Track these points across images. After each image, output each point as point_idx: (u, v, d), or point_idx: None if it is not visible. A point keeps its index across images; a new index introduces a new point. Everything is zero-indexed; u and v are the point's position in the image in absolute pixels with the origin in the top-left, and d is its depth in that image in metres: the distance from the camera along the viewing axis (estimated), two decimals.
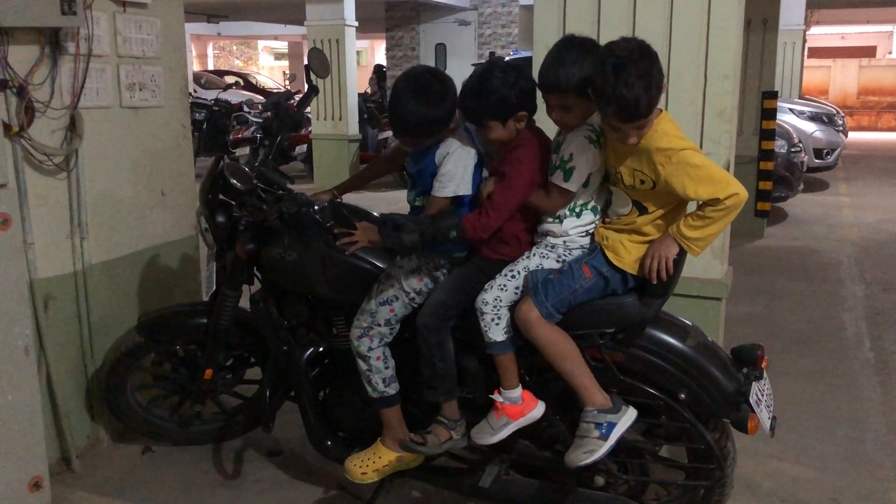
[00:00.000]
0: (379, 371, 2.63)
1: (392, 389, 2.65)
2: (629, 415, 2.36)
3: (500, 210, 2.39)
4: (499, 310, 2.40)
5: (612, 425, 2.33)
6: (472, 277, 2.51)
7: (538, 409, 2.48)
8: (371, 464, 2.69)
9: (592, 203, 2.41)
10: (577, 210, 2.40)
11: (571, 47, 2.28)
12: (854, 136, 16.91)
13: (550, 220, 2.43)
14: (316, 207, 2.55)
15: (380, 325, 2.60)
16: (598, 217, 2.43)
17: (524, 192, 2.39)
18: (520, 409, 2.46)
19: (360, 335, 2.62)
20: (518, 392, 2.46)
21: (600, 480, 2.55)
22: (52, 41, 2.98)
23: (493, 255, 2.50)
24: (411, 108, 2.42)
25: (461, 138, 2.52)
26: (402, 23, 15.15)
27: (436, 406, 2.61)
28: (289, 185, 2.79)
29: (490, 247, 2.50)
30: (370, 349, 2.61)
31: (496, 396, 2.46)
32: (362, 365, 2.63)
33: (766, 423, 2.38)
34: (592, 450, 2.33)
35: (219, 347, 3.12)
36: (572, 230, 2.41)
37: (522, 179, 2.38)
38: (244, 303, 3.06)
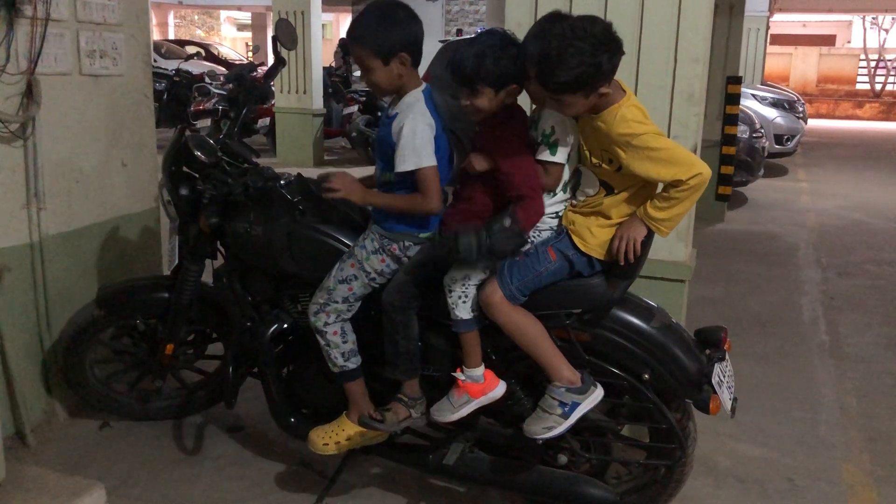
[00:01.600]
0: (337, 346, 2.62)
1: (352, 364, 2.64)
2: (595, 395, 2.39)
3: (534, 189, 2.32)
4: (466, 287, 2.39)
5: (575, 405, 2.35)
6: (439, 255, 2.50)
7: (499, 389, 2.49)
8: (334, 436, 2.69)
9: (565, 180, 2.40)
10: None
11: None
12: (813, 123, 17.20)
13: None
14: (282, 182, 2.50)
15: (336, 302, 2.59)
16: (568, 195, 2.42)
17: (530, 159, 2.35)
18: (481, 387, 2.46)
19: (317, 311, 2.61)
20: (480, 371, 2.47)
21: (563, 459, 2.58)
22: (8, 3, 2.87)
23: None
24: (371, 22, 2.39)
25: (419, 110, 2.45)
26: None
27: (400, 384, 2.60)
28: (254, 159, 2.74)
29: (463, 219, 2.48)
30: (326, 324, 2.60)
31: (458, 374, 2.47)
32: (320, 340, 2.62)
33: (728, 405, 2.42)
34: (551, 426, 2.37)
35: (180, 322, 3.07)
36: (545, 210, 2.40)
37: (524, 151, 2.34)
38: (207, 277, 3.01)
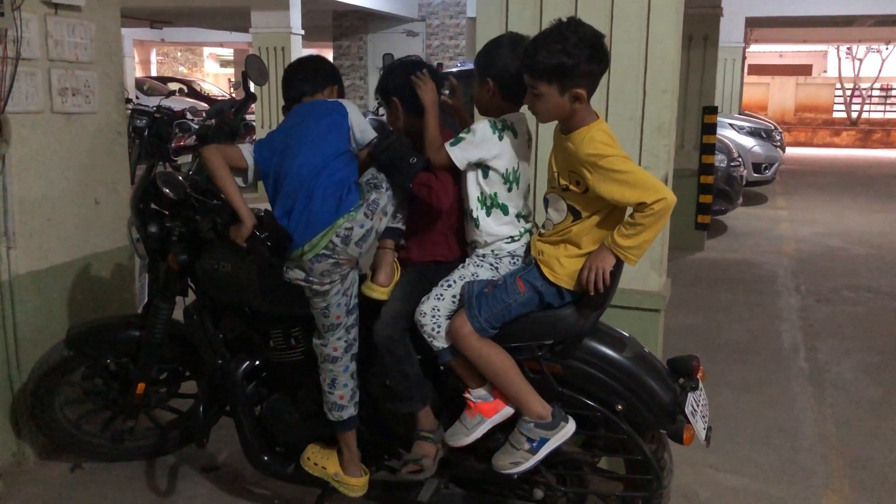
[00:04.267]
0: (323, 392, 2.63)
1: (333, 416, 2.61)
2: (565, 430, 2.37)
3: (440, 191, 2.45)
4: (437, 319, 2.38)
5: (543, 441, 2.34)
6: (417, 283, 2.50)
7: (510, 407, 2.44)
8: (322, 461, 2.68)
9: (500, 201, 2.41)
10: (487, 203, 2.41)
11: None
12: (791, 151, 17.42)
13: (472, 221, 2.44)
14: None
15: None
16: (509, 217, 2.43)
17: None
18: (493, 405, 2.42)
19: None
20: (485, 390, 2.43)
21: (539, 493, 2.54)
22: None
23: (425, 257, 2.52)
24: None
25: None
26: (349, 32, 15.11)
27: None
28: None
29: (421, 249, 2.52)
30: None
31: (468, 395, 2.43)
32: None
33: (702, 434, 2.40)
34: (518, 462, 2.36)
35: (151, 361, 3.02)
36: (493, 229, 2.42)
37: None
38: (178, 315, 2.98)
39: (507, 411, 2.43)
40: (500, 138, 2.37)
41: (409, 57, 2.62)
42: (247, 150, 2.57)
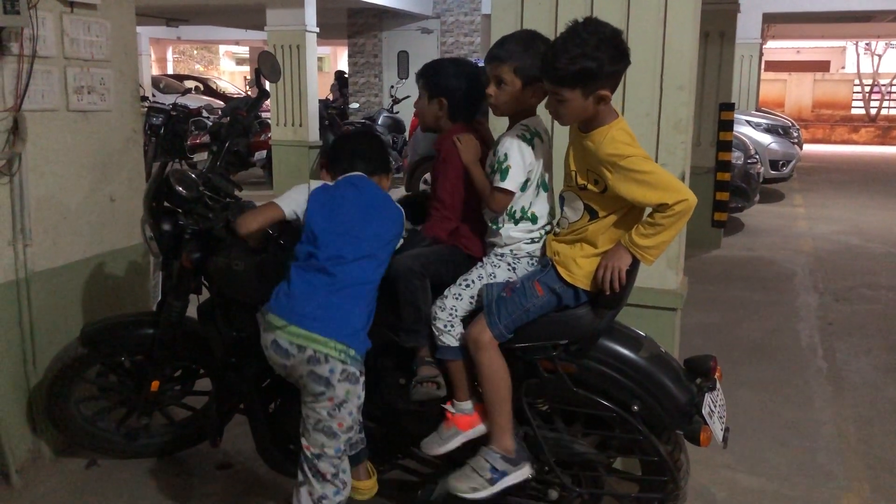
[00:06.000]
0: None
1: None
2: (522, 472, 2.39)
3: (451, 204, 2.50)
4: (453, 319, 2.37)
5: (504, 474, 2.36)
6: (445, 254, 2.50)
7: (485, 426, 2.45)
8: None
9: (531, 210, 2.40)
10: (517, 216, 2.39)
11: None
12: (809, 148, 17.26)
13: (493, 226, 2.43)
14: None
15: None
16: (537, 226, 2.41)
17: (459, 180, 2.49)
18: (469, 420, 2.43)
19: None
20: (470, 404, 2.44)
21: (554, 494, 2.53)
22: None
23: (461, 248, 2.53)
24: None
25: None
26: (364, 29, 15.11)
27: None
28: (237, 192, 2.73)
29: (459, 243, 2.53)
30: None
31: (448, 407, 2.43)
32: None
33: (719, 435, 2.38)
34: (476, 489, 2.37)
35: (165, 359, 3.03)
36: (514, 234, 2.40)
37: (455, 170, 2.48)
38: (193, 312, 2.98)
39: (482, 429, 2.44)
40: (533, 146, 2.35)
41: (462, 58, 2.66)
42: (288, 205, 2.48)
